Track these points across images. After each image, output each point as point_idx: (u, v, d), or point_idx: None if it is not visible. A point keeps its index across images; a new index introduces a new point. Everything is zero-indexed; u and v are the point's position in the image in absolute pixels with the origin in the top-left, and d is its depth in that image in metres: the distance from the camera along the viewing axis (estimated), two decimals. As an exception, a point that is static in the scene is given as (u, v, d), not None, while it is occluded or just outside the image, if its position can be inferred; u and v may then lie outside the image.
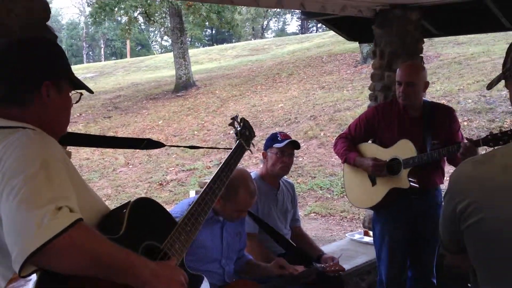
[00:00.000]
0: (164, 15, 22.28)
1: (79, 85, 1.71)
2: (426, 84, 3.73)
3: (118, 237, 1.48)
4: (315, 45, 24.78)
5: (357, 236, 4.85)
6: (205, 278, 1.87)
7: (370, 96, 5.08)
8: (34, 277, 1.28)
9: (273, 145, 3.59)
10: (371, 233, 4.88)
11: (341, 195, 8.91)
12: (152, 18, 21.60)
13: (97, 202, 1.63)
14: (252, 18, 48.95)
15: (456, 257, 1.68)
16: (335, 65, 18.80)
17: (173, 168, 11.44)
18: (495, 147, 3.16)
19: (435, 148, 3.63)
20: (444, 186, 4.04)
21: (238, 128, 2.46)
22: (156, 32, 53.32)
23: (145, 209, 1.66)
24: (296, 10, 51.09)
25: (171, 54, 24.26)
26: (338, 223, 7.80)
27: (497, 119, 9.96)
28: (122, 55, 49.92)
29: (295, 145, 3.61)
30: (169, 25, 21.48)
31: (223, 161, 2.19)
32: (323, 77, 17.12)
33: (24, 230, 1.25)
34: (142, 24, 34.59)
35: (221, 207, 2.84)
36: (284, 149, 3.55)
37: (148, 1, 18.77)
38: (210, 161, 11.47)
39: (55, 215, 1.26)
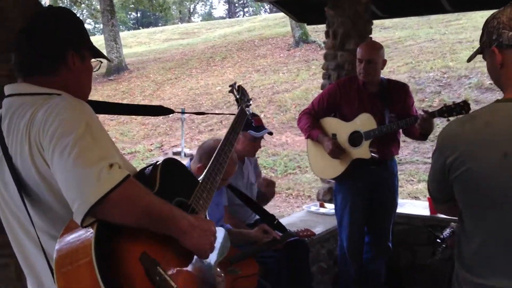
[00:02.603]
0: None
1: (97, 53, 1.80)
2: (384, 62, 3.99)
3: (155, 192, 1.58)
4: (246, 29, 24.93)
5: (313, 208, 5.11)
6: (223, 229, 2.02)
7: (323, 74, 5.33)
8: (89, 228, 1.37)
9: (248, 131, 3.72)
10: (326, 204, 5.17)
11: (285, 173, 9.22)
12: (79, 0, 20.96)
13: (127, 162, 1.72)
14: (179, 1, 48.28)
15: (442, 206, 1.93)
16: (268, 48, 19.06)
17: (113, 152, 11.30)
18: (463, 114, 3.49)
19: (392, 120, 3.92)
20: (399, 156, 4.36)
21: (238, 96, 2.60)
22: (79, 15, 51.46)
23: (172, 168, 1.77)
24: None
25: (97, 37, 23.60)
26: (284, 200, 8.09)
27: (427, 99, 10.58)
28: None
29: (269, 133, 3.81)
30: (98, 7, 20.90)
31: (228, 126, 2.34)
32: (257, 61, 17.35)
33: (85, 184, 1.34)
34: (67, 6, 33.24)
35: None
36: (259, 137, 3.71)
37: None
38: (151, 144, 11.44)
39: (109, 170, 1.36)
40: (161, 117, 13.07)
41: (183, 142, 9.99)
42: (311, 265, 4.02)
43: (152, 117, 12.16)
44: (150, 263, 1.37)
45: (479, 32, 1.78)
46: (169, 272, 1.44)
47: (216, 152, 2.10)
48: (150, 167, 1.73)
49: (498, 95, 9.98)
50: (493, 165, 1.60)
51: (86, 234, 1.36)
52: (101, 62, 1.85)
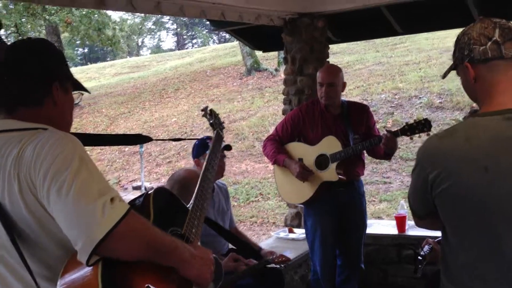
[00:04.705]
0: (38, 34, 21.24)
1: (78, 86, 1.76)
2: (344, 85, 4.06)
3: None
4: (197, 60, 24.97)
5: (282, 234, 5.08)
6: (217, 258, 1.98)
7: (284, 100, 5.37)
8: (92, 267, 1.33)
9: (206, 152, 3.68)
10: (295, 230, 5.15)
11: (247, 202, 9.17)
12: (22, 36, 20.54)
13: None
14: (127, 35, 48.10)
15: (423, 221, 1.93)
16: (220, 78, 19.13)
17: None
18: (427, 132, 3.57)
19: (357, 142, 3.97)
20: (364, 177, 4.42)
21: (211, 120, 2.59)
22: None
23: (163, 198, 1.76)
24: (172, 25, 50.92)
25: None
26: (249, 228, 8.02)
27: (381, 120, 10.82)
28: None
29: (228, 147, 3.75)
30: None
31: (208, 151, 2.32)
32: (211, 90, 17.38)
33: (89, 221, 1.30)
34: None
35: None
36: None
37: (23, 19, 17.80)
38: (108, 180, 11.18)
39: (111, 205, 1.34)
40: (117, 152, 12.86)
41: (143, 176, 9.84)
42: (286, 292, 3.97)
43: (118, 147, 11.97)
44: None
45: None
46: None
47: (200, 179, 2.09)
48: (141, 198, 1.71)
49: (449, 113, 10.36)
50: (475, 179, 1.61)
51: (89, 272, 1.33)
52: (82, 94, 1.82)
